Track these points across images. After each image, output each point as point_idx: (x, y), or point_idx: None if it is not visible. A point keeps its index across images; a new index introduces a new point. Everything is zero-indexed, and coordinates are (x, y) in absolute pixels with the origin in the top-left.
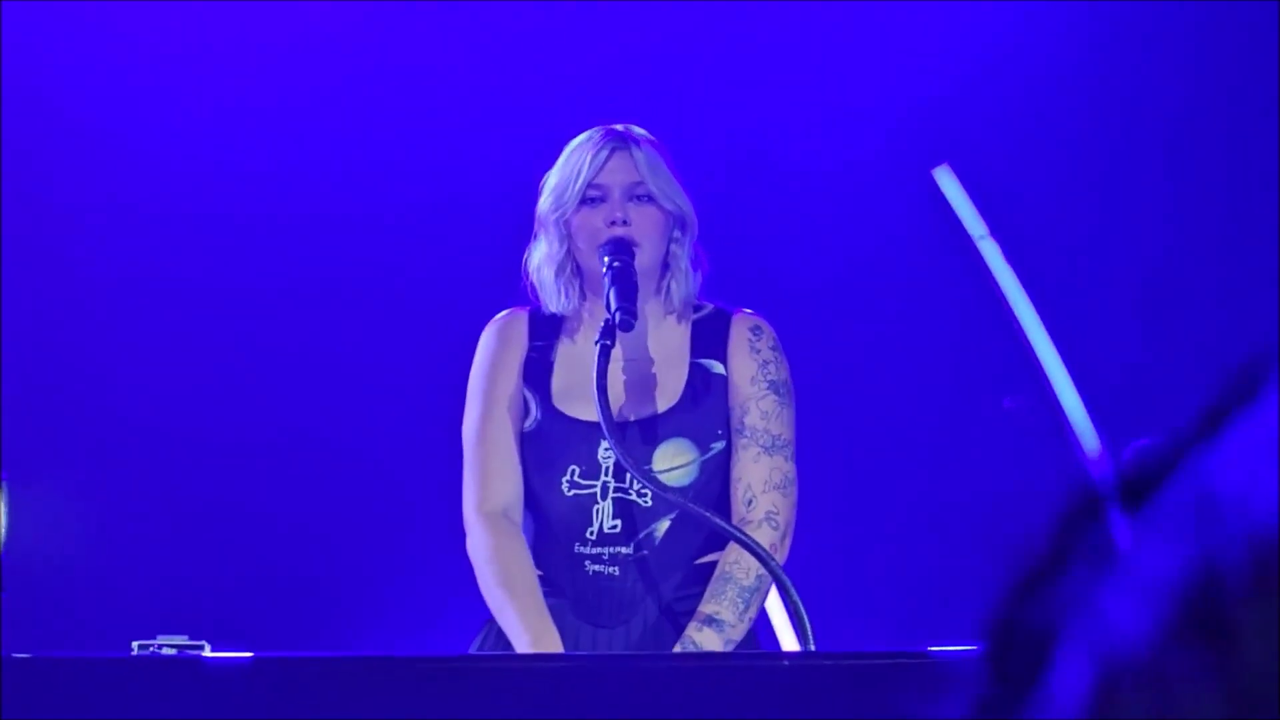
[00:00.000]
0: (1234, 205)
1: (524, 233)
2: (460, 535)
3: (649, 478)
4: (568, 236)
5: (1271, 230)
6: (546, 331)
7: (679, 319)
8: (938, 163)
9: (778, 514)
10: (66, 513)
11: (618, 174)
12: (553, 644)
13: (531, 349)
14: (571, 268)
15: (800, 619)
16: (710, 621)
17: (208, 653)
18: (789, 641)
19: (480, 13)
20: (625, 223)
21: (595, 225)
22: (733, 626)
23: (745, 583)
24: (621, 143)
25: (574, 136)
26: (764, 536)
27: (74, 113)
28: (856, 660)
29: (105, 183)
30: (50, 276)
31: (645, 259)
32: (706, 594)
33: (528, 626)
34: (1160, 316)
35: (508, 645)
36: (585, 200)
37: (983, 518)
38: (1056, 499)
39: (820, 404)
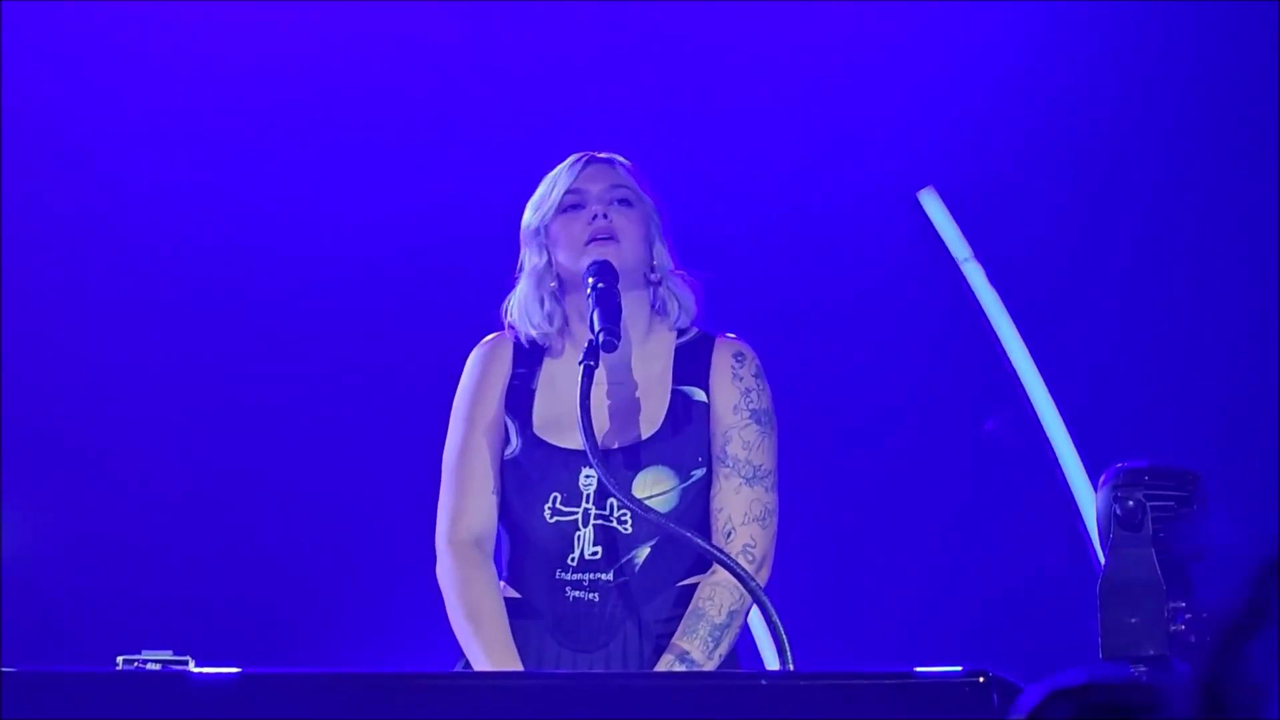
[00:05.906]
0: (1219, 228)
1: (514, 252)
2: None
3: (634, 501)
4: (547, 246)
5: (1262, 250)
6: (529, 359)
7: (668, 330)
8: (922, 185)
9: (754, 546)
10: (53, 528)
11: (595, 180)
12: None
13: (514, 376)
14: (552, 279)
15: (780, 639)
16: (681, 658)
17: (193, 668)
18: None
19: (470, 43)
20: (605, 217)
21: (575, 230)
22: (700, 665)
23: (717, 620)
24: (597, 157)
25: (561, 160)
26: None
27: (74, 124)
28: (838, 680)
29: (104, 195)
30: (47, 290)
31: (627, 258)
32: (680, 628)
33: (493, 663)
34: (1143, 338)
35: None
36: (564, 208)
37: (966, 539)
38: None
39: (804, 426)
